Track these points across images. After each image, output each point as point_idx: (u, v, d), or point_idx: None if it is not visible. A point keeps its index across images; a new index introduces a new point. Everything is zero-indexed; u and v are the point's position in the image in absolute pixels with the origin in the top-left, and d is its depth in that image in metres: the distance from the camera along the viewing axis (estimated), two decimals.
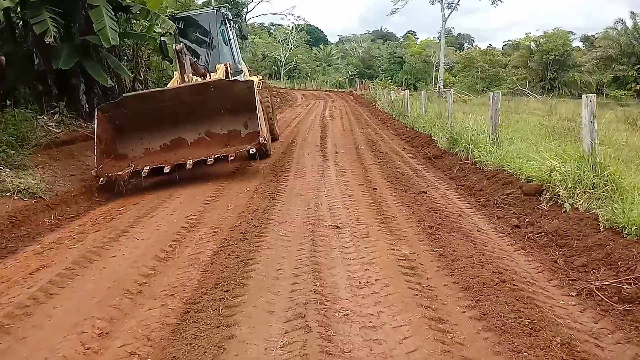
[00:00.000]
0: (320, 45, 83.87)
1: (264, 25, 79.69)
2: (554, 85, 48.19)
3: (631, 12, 44.01)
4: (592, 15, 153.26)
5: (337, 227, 4.88)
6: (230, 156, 7.26)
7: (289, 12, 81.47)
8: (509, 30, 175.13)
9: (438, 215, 5.48)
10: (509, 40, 75.95)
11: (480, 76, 58.16)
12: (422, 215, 5.40)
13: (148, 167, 7.32)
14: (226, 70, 10.05)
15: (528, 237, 4.90)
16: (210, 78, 9.23)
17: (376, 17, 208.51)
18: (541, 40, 50.15)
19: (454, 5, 39.16)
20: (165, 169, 7.34)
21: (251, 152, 7.36)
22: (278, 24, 77.42)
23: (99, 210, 6.66)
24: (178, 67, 8.20)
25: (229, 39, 11.73)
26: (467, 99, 36.33)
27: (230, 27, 11.92)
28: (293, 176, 7.84)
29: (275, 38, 72.22)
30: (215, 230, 5.17)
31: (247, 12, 49.34)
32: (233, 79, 9.18)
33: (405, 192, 6.60)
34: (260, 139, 7.45)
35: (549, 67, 48.49)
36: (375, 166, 8.70)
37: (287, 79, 69.00)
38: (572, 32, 50.24)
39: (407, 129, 14.59)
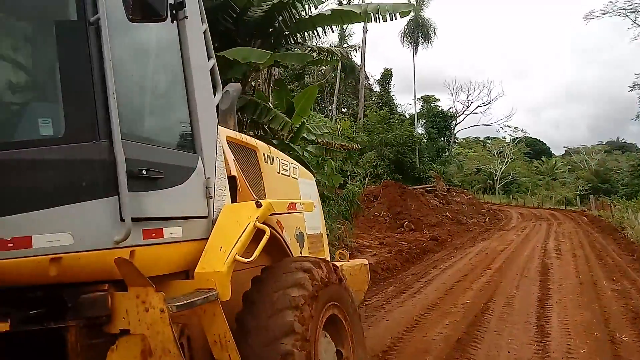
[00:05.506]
0: (543, 158, 75.13)
1: (479, 139, 75.61)
2: None
3: None
4: None
5: None
6: None
7: (504, 123, 74.50)
8: None
9: None
10: None
11: None
12: None
13: None
14: None
15: None
16: None
17: (610, 126, 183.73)
18: None
19: None
20: None
21: None
22: (494, 137, 72.58)
23: None
24: None
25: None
26: None
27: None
28: None
29: (489, 151, 67.41)
30: None
31: (456, 124, 46.48)
32: None
33: None
34: None
35: None
36: None
37: (502, 194, 62.12)
38: None
39: None
